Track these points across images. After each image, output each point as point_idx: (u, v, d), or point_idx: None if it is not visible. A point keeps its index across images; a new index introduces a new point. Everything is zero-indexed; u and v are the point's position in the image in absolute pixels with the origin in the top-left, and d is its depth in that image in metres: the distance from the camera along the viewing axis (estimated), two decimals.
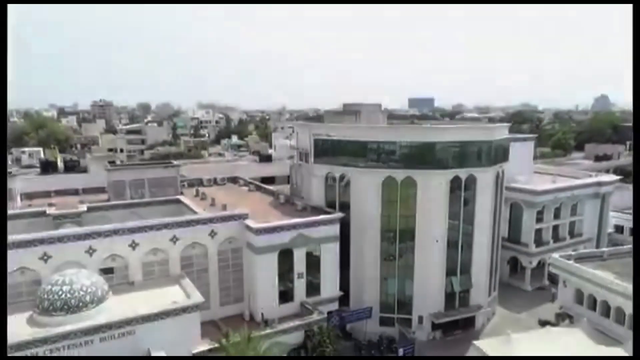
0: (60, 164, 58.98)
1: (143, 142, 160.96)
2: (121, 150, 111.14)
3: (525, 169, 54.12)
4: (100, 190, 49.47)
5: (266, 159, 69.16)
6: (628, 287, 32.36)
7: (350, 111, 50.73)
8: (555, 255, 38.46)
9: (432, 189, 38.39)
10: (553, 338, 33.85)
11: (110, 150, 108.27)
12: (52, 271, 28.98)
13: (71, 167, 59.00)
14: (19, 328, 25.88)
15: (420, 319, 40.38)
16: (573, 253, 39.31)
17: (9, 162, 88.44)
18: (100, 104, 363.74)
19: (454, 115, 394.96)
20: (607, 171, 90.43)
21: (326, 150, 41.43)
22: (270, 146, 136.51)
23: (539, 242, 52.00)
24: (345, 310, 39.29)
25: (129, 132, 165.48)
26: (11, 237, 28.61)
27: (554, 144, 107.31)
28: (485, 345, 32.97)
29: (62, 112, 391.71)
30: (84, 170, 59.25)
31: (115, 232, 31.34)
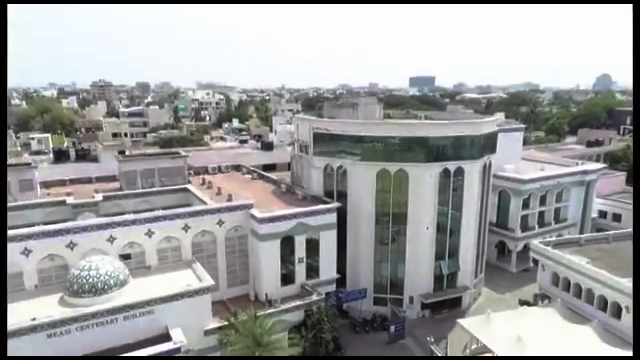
0: (72, 153, 61.65)
1: (145, 124, 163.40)
2: (125, 135, 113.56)
3: (513, 158, 56.99)
4: (112, 178, 52.41)
5: (267, 146, 71.84)
6: (599, 271, 35.69)
7: (347, 103, 53.42)
8: (535, 241, 41.67)
9: (423, 180, 41.41)
10: (528, 316, 37.47)
11: (114, 135, 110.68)
12: (78, 257, 32.25)
13: (82, 156, 61.88)
14: (51, 308, 29.29)
15: (411, 299, 43.97)
16: (552, 239, 42.56)
17: (18, 148, 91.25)
18: (100, 84, 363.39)
19: (454, 95, 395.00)
20: (598, 157, 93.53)
21: (325, 143, 44.28)
22: (271, 130, 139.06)
23: (525, 227, 55.37)
24: (342, 291, 42.76)
25: (131, 114, 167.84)
26: (41, 228, 31.94)
27: (548, 129, 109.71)
28: (468, 323, 36.64)
29: (62, 92, 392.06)
30: (94, 158, 62.16)
31: (133, 222, 34.55)
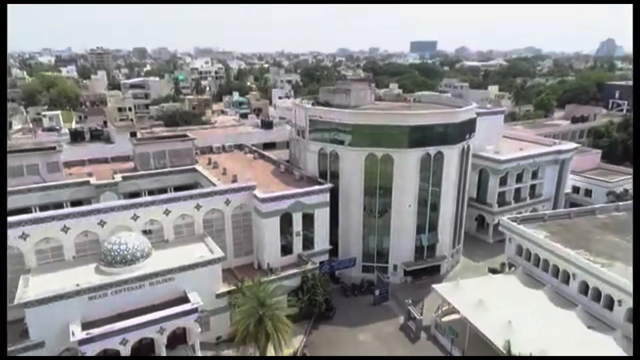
0: (86, 135, 66.34)
1: (146, 96, 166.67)
2: (130, 109, 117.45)
3: (493, 139, 61.74)
4: (126, 158, 57.41)
5: (268, 125, 76.35)
6: (554, 244, 41.39)
7: (341, 89, 57.82)
8: (504, 217, 47.32)
9: (406, 164, 46.58)
10: (493, 282, 43.68)
11: (120, 109, 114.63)
12: (107, 233, 37.87)
13: (97, 136, 66.48)
14: (89, 276, 35.14)
15: (395, 267, 50.06)
16: (519, 216, 48.12)
17: (30, 124, 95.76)
18: (97, 52, 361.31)
19: (454, 63, 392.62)
20: (582, 132, 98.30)
21: (319, 129, 49.20)
22: (270, 102, 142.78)
23: (502, 202, 60.99)
24: (334, 260, 48.78)
25: (132, 86, 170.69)
26: (77, 209, 37.55)
27: (537, 104, 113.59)
28: (441, 288, 42.84)
29: (59, 60, 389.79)
30: (107, 138, 66.91)
31: (153, 202, 40.03)
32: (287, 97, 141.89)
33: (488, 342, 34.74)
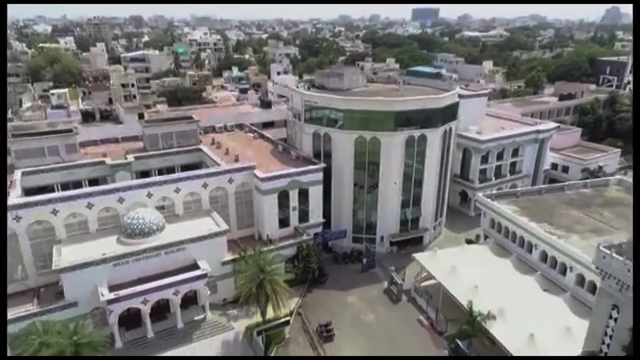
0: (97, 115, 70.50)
1: (147, 70, 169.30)
2: (132, 85, 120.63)
3: (477, 120, 66.11)
4: (135, 138, 61.86)
5: (267, 105, 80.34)
6: (520, 218, 46.57)
7: (335, 73, 61.93)
8: (480, 194, 52.42)
9: (392, 145, 51.27)
10: (467, 251, 49.23)
11: (123, 85, 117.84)
12: (126, 209, 42.98)
13: (106, 117, 70.71)
14: (112, 246, 40.48)
15: (382, 238, 55.54)
16: (494, 192, 53.16)
17: (39, 102, 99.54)
18: (94, 22, 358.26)
19: (454, 33, 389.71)
20: (568, 109, 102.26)
21: (314, 113, 53.65)
22: (269, 77, 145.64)
23: (483, 179, 66.01)
24: (327, 232, 54.20)
25: (133, 59, 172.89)
26: (99, 187, 42.57)
27: (528, 81, 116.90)
28: (421, 257, 48.43)
29: (56, 30, 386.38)
30: (116, 118, 71.15)
31: (165, 182, 45.04)
32: (286, 72, 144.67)
33: (457, 302, 40.44)
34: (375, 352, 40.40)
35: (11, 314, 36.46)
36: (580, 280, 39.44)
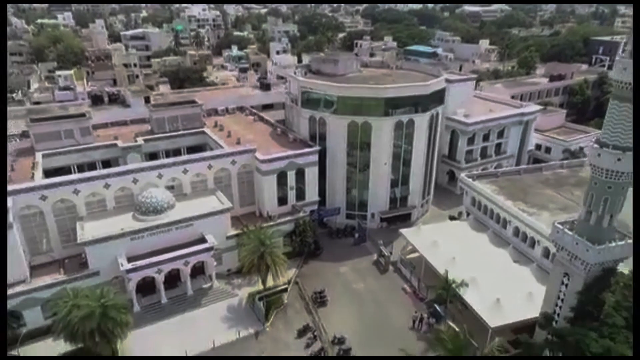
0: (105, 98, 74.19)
1: (147, 47, 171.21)
2: (135, 65, 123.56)
3: (464, 104, 69.86)
4: (142, 121, 65.82)
5: (266, 87, 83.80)
6: (496, 196, 51.03)
7: (330, 59, 65.48)
8: (462, 174, 56.85)
9: (382, 129, 55.37)
10: (448, 227, 54.00)
11: (125, 65, 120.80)
12: (139, 189, 47.46)
13: (114, 100, 74.35)
14: (129, 222, 45.17)
15: (373, 215, 60.25)
16: (475, 173, 57.59)
17: (46, 84, 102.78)
18: None
19: (454, 8, 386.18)
20: (557, 90, 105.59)
21: (309, 99, 57.54)
22: (268, 55, 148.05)
23: (469, 159, 70.30)
24: (322, 209, 58.84)
25: (133, 37, 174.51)
26: (116, 169, 47.21)
27: (520, 62, 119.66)
28: (407, 232, 53.16)
29: (53, 4, 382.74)
30: (123, 100, 74.85)
31: (174, 164, 49.43)
32: (285, 51, 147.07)
33: (436, 272, 45.40)
34: (364, 316, 45.55)
35: (42, 281, 41.58)
36: (546, 252, 44.20)
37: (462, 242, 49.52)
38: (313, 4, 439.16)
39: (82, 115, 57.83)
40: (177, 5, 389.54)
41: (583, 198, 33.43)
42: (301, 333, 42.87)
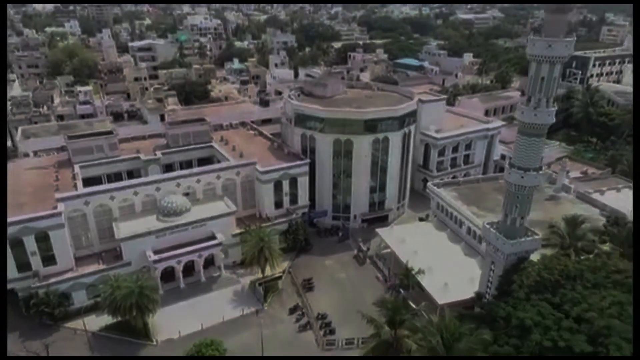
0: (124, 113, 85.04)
1: (154, 58, 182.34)
2: (145, 79, 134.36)
3: (437, 120, 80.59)
4: (159, 135, 76.56)
5: (265, 103, 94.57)
6: (454, 201, 61.89)
7: (320, 83, 76.52)
8: (429, 183, 67.75)
9: (362, 145, 66.24)
10: (416, 227, 64.91)
11: (136, 79, 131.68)
12: (161, 195, 58.29)
13: (132, 115, 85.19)
14: (154, 223, 56.00)
15: (355, 216, 71.13)
16: (440, 181, 68.51)
17: (67, 98, 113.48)
18: (97, 5, 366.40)
19: (448, 15, 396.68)
20: None
21: (301, 119, 68.44)
22: (267, 66, 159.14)
23: (440, 168, 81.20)
24: (312, 212, 69.70)
25: (140, 49, 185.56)
26: (143, 179, 58.15)
27: (496, 76, 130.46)
28: (382, 231, 64.02)
29: (58, 11, 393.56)
30: (140, 116, 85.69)
31: (189, 175, 60.36)
32: (283, 63, 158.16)
33: (401, 262, 56.22)
34: (344, 299, 56.24)
35: (86, 270, 52.46)
36: None
37: (425, 239, 60.41)
38: (311, 10, 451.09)
39: (110, 132, 68.60)
40: (178, 12, 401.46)
41: (502, 204, 44.41)
42: (292, 311, 53.73)
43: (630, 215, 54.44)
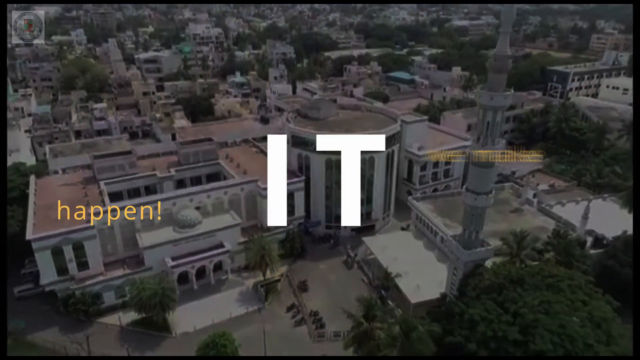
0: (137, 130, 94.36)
1: (159, 70, 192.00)
2: (153, 93, 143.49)
3: (419, 139, 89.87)
4: (170, 152, 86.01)
5: (265, 121, 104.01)
6: (430, 213, 71.25)
7: (314, 107, 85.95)
8: (410, 197, 77.15)
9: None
10: (397, 236, 74.34)
11: (145, 93, 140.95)
12: (176, 210, 67.66)
13: (147, 133, 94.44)
14: (171, 233, 65.41)
15: (345, 227, 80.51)
16: (419, 195, 77.92)
17: (82, 113, 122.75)
18: (100, 12, 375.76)
19: (444, 22, 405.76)
20: (508, 118, 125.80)
21: (297, 141, 77.85)
22: (266, 78, 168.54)
23: (422, 181, 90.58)
24: (307, 222, 79.10)
25: (146, 61, 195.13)
26: (160, 195, 67.38)
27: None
28: (367, 239, 73.39)
29: (63, 18, 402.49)
30: (154, 135, 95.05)
31: (201, 191, 69.76)
32: (281, 76, 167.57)
33: (383, 267, 65.57)
34: (334, 299, 65.45)
35: (115, 274, 61.83)
36: None
37: (405, 247, 69.78)
38: (310, 16, 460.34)
39: (129, 152, 78.00)
40: (180, 17, 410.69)
41: (462, 220, 53.88)
42: (289, 309, 63.12)
43: (580, 226, 64.32)
